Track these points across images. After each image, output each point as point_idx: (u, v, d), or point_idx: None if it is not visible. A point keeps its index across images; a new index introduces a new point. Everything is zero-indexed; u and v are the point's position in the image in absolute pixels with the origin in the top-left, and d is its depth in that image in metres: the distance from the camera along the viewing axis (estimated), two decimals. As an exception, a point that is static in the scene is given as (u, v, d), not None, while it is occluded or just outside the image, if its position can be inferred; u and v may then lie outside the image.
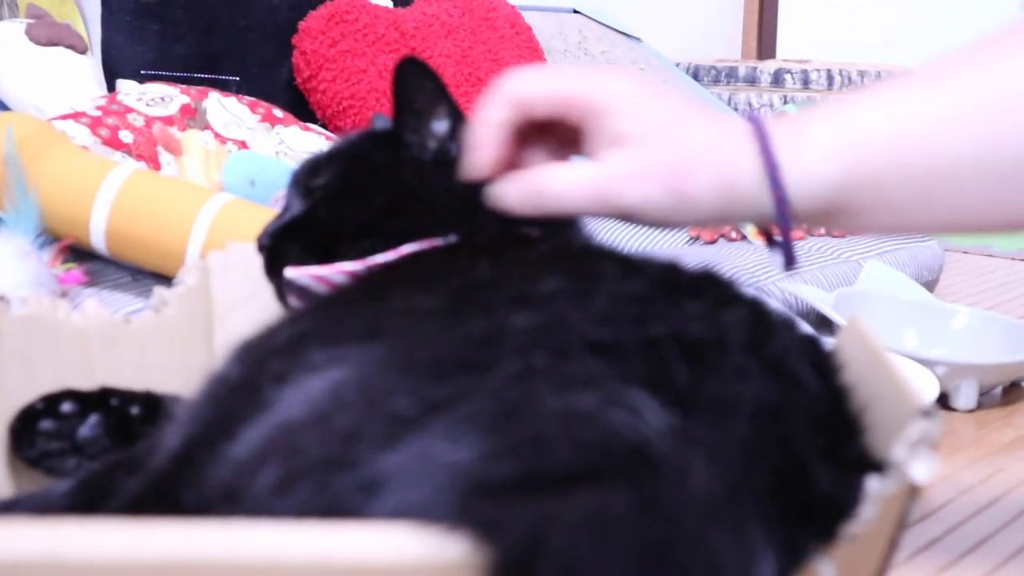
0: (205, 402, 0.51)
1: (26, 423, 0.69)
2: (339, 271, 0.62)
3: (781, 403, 0.44)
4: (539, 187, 0.60)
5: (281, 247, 0.67)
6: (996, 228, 0.65)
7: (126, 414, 0.70)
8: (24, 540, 0.34)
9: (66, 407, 0.69)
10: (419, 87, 0.66)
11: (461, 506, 0.36)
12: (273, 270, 0.68)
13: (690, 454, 0.39)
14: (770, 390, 0.44)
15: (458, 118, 0.66)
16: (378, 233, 0.63)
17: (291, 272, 0.63)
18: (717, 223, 0.61)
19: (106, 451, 0.69)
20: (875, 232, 1.41)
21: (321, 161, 0.69)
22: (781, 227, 0.59)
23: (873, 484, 0.41)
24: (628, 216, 0.58)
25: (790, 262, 0.61)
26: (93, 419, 0.69)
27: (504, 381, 0.42)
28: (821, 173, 0.59)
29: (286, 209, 0.69)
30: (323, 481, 0.39)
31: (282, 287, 0.67)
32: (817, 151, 0.59)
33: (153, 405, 0.71)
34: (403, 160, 0.66)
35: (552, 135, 0.62)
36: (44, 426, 0.68)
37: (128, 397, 0.71)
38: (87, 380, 0.73)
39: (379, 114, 0.92)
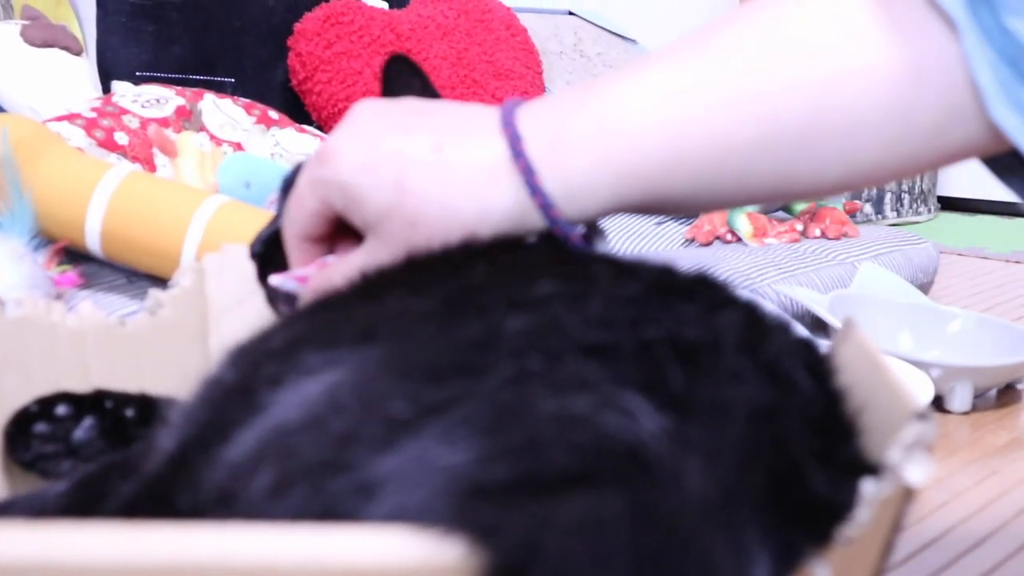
0: (199, 405, 0.51)
1: (21, 426, 0.68)
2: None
3: (776, 406, 0.44)
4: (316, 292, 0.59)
5: (271, 254, 0.67)
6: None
7: (121, 416, 0.70)
8: (18, 542, 0.34)
9: (61, 409, 0.69)
10: (408, 85, 0.66)
11: (457, 509, 0.36)
12: (265, 277, 0.68)
13: (685, 457, 0.39)
14: (765, 393, 0.44)
15: None
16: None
17: (276, 279, 0.63)
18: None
19: (101, 453, 0.69)
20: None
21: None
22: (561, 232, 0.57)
23: (868, 487, 0.41)
24: None
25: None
26: (88, 421, 0.69)
27: (499, 384, 0.41)
28: (593, 188, 0.57)
29: (278, 215, 0.69)
30: (318, 484, 0.39)
31: (271, 293, 0.67)
32: (584, 163, 0.56)
33: (148, 407, 0.71)
34: None
35: None
36: (39, 429, 0.68)
37: (123, 399, 0.71)
38: (82, 382, 0.73)
39: None
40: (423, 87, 0.66)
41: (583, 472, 0.37)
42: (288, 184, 0.69)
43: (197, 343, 0.80)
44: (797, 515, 0.41)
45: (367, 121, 0.59)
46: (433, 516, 0.36)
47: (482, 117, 0.59)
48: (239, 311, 0.79)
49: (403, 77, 0.66)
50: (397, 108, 0.60)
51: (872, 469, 0.43)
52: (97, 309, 0.78)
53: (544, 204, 0.56)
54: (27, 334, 0.73)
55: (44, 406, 0.69)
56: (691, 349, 0.45)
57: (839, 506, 0.41)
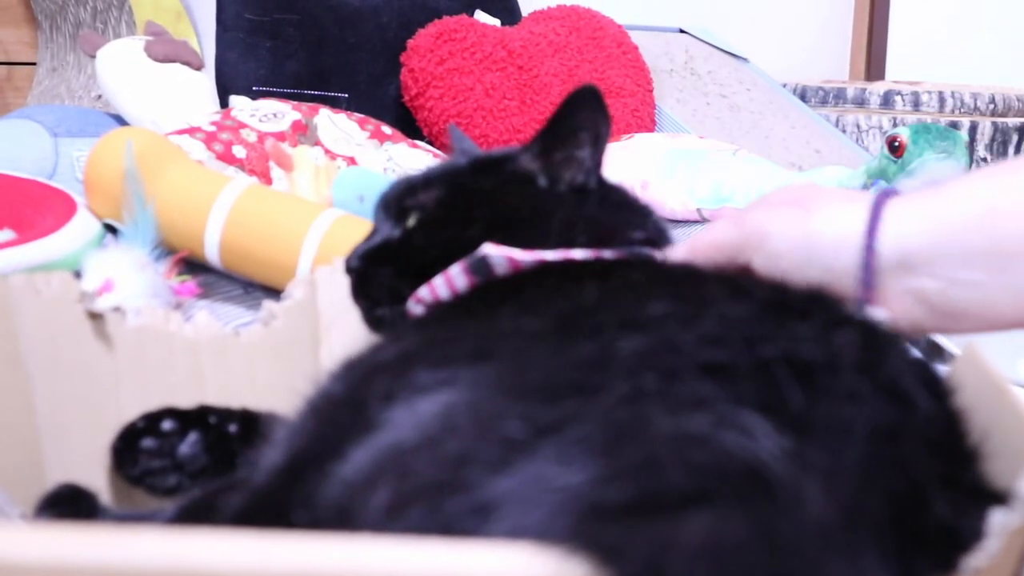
0: (309, 418, 0.52)
1: (128, 441, 0.70)
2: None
3: (896, 426, 0.43)
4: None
5: (371, 270, 0.67)
6: None
7: (224, 432, 0.71)
8: (153, 549, 0.35)
9: (167, 425, 0.70)
10: (594, 114, 0.65)
11: (576, 530, 0.36)
12: (361, 293, 0.68)
13: (805, 478, 0.38)
14: (884, 413, 0.44)
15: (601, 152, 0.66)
16: None
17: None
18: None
19: (205, 469, 0.70)
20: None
21: (417, 184, 0.69)
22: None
23: (997, 517, 0.39)
24: None
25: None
26: (192, 437, 0.70)
27: (614, 403, 0.41)
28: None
29: (374, 231, 0.69)
30: (435, 505, 0.39)
31: (370, 311, 0.68)
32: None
33: (250, 423, 0.72)
34: (514, 185, 0.66)
35: None
36: (146, 444, 0.69)
37: (225, 415, 0.72)
38: (198, 392, 0.74)
39: (452, 124, 0.92)
40: (605, 121, 0.66)
41: (703, 492, 0.37)
42: (385, 201, 0.69)
43: (308, 354, 0.81)
44: (919, 540, 0.40)
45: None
46: (552, 536, 0.35)
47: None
48: (349, 323, 0.80)
49: (592, 106, 0.65)
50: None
51: (995, 496, 0.42)
52: (213, 319, 0.79)
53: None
54: (146, 343, 0.75)
55: (150, 422, 0.70)
56: (808, 368, 0.44)
57: (962, 533, 0.40)
